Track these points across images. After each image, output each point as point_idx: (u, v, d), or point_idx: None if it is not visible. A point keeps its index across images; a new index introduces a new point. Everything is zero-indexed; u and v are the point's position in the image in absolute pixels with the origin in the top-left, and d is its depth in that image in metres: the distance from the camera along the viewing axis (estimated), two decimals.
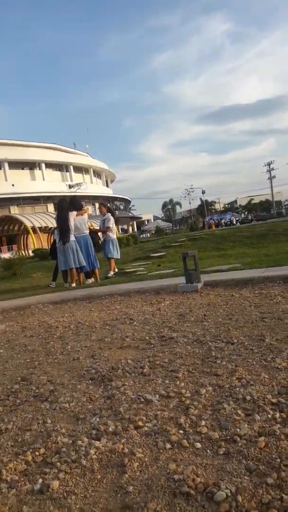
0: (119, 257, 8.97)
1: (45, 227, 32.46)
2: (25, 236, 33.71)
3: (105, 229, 8.57)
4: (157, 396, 2.08)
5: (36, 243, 30.55)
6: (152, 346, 2.97)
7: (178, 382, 2.22)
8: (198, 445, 1.58)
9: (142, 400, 2.05)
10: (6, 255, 28.15)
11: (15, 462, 1.62)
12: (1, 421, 2.02)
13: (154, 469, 1.47)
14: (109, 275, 8.32)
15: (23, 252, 29.24)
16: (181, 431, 1.70)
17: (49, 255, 8.75)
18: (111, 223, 8.59)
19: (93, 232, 8.88)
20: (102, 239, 9.17)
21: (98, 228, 9.86)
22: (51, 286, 8.24)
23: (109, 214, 8.72)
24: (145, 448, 1.62)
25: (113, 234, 8.84)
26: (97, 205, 52.15)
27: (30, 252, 28.15)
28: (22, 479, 1.51)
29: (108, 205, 9.66)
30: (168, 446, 1.60)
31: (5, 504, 1.37)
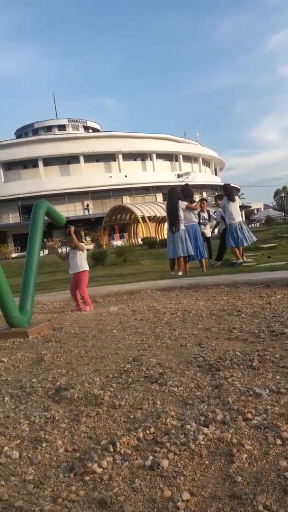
0: (244, 245, 8.33)
1: (154, 216, 33.36)
2: (135, 225, 35.09)
3: (193, 207, 7.92)
4: (267, 390, 2.03)
5: (145, 231, 31.61)
6: (262, 340, 2.88)
7: None
8: None
9: (251, 393, 2.01)
10: (118, 242, 29.70)
11: (127, 437, 1.73)
12: (114, 397, 2.17)
13: (263, 463, 1.45)
14: (238, 262, 8.05)
15: (133, 240, 30.50)
16: None
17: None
18: (231, 207, 8.13)
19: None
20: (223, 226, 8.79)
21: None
22: (215, 266, 8.52)
23: (225, 198, 8.36)
24: (254, 440, 1.59)
25: (233, 219, 8.13)
26: (204, 194, 51.69)
27: (139, 240, 29.26)
28: (134, 453, 1.62)
29: (223, 191, 9.19)
30: (279, 442, 1.55)
31: (119, 475, 1.48)
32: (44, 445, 1.77)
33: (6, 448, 1.77)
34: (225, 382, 2.18)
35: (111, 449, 1.64)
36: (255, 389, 2.05)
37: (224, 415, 1.81)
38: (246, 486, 1.34)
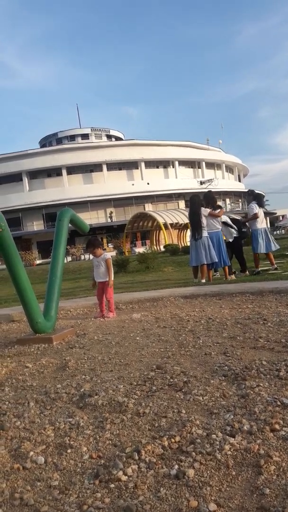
0: (266, 251, 8.29)
1: (176, 223, 33.33)
2: (158, 232, 35.10)
3: (216, 214, 7.78)
4: None
5: (167, 238, 31.60)
6: None
7: None
8: None
9: (279, 403, 1.97)
10: (141, 249, 29.78)
11: (152, 445, 1.72)
12: (139, 404, 2.17)
13: None
14: (257, 270, 8.07)
15: (155, 247, 30.50)
16: None
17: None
18: (253, 211, 8.11)
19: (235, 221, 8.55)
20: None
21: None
22: (238, 276, 8.22)
23: (253, 202, 8.32)
24: (282, 452, 1.55)
25: (259, 224, 8.14)
26: (228, 200, 51.13)
27: (161, 247, 29.25)
28: (159, 462, 1.60)
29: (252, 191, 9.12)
30: None
31: (144, 483, 1.47)
32: (69, 451, 1.78)
33: (31, 453, 1.79)
34: (252, 392, 2.14)
35: (136, 457, 1.63)
36: (283, 399, 2.00)
37: (250, 425, 1.78)
38: (274, 499, 1.30)
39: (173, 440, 1.75)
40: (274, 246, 8.26)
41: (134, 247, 37.52)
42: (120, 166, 51.02)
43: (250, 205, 8.44)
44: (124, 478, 1.51)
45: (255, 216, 8.18)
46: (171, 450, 1.69)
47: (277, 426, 1.74)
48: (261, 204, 8.28)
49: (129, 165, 51.10)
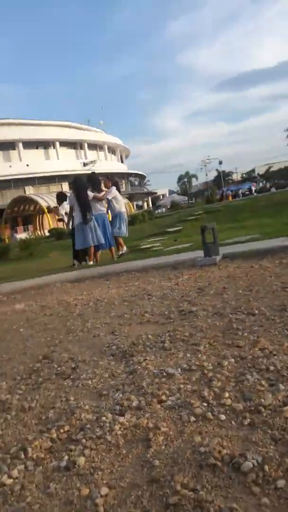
0: (127, 235, 8.67)
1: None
2: (41, 216, 33.94)
3: (100, 197, 7.91)
4: (179, 369, 2.06)
5: (51, 223, 30.71)
6: (172, 320, 2.95)
7: (199, 355, 2.20)
8: (223, 417, 1.56)
9: (164, 374, 2.03)
10: (22, 235, 28.45)
11: (40, 439, 1.63)
12: (24, 399, 2.04)
13: (179, 443, 1.46)
14: (122, 252, 8.27)
15: (39, 232, 29.47)
16: (205, 404, 1.67)
17: (68, 233, 8.45)
18: (111, 195, 8.20)
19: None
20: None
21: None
22: (75, 265, 8.12)
23: (113, 187, 8.43)
24: (169, 422, 1.60)
25: (122, 208, 8.51)
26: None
27: (46, 232, 28.36)
28: (48, 456, 1.52)
29: (116, 179, 9.35)
30: (193, 419, 1.58)
31: (31, 482, 1.38)
32: None
33: None
34: (139, 367, 2.18)
35: (22, 456, 1.53)
36: (168, 369, 2.07)
37: (139, 401, 1.80)
38: (163, 469, 1.33)
39: (62, 430, 1.68)
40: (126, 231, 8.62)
41: (15, 233, 35.48)
42: None
43: (111, 189, 8.36)
44: (9, 481, 1.40)
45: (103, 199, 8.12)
46: (60, 441, 1.62)
47: (163, 397, 1.78)
48: (95, 186, 8.13)
49: (6, 146, 47.85)
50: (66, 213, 8.73)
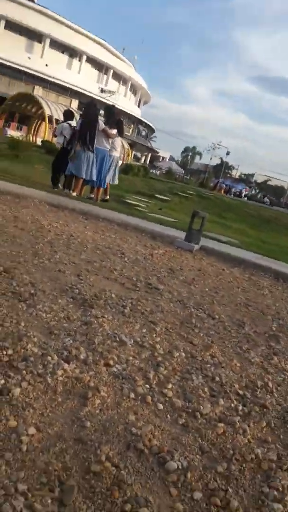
0: (116, 182, 8.41)
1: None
2: (39, 122, 32.23)
3: (109, 133, 7.21)
4: (132, 341, 2.08)
5: (48, 133, 29.29)
6: (138, 289, 2.94)
7: (154, 336, 2.22)
8: (161, 406, 1.60)
9: (117, 339, 2.04)
10: (14, 133, 27.03)
11: None
12: None
13: (113, 413, 1.48)
14: (105, 198, 8.05)
15: (32, 138, 28.14)
16: (147, 386, 1.70)
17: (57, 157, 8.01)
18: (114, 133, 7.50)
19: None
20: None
21: None
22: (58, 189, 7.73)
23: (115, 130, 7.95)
24: (110, 388, 1.62)
25: (118, 153, 8.15)
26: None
27: (39, 140, 27.09)
28: None
29: (121, 118, 8.83)
30: (132, 395, 1.61)
31: None
32: None
33: None
34: (95, 321, 2.17)
35: None
36: (122, 336, 2.08)
37: (87, 355, 1.80)
38: (93, 433, 1.35)
39: (5, 352, 1.66)
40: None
41: (7, 128, 33.56)
42: (21, 31, 43.84)
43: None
44: None
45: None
46: (0, 362, 1.60)
47: (111, 362, 1.79)
48: (109, 120, 7.45)
49: (32, 36, 44.31)
50: (61, 133, 8.22)
